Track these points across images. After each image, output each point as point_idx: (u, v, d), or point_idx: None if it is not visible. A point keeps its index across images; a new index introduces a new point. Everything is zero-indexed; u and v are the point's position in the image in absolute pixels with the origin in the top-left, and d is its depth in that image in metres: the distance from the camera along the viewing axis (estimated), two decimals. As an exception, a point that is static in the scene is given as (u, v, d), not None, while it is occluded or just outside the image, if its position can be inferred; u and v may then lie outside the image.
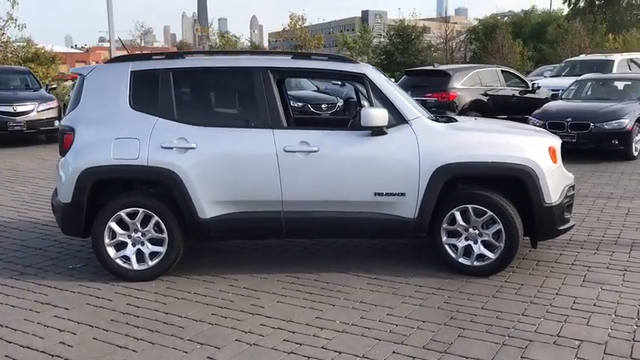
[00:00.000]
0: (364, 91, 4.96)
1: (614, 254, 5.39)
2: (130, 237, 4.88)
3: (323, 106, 16.59)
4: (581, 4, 54.60)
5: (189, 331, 3.96)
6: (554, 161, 4.92)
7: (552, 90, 14.57)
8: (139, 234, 4.87)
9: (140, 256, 4.89)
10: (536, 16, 44.16)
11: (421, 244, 5.75)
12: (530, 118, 11.38)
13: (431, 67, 13.77)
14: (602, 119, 10.64)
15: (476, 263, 4.88)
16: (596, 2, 55.53)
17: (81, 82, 5.03)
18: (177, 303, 4.45)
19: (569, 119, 10.68)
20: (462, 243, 4.91)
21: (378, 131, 4.75)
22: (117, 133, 4.80)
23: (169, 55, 5.13)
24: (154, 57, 5.11)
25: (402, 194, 4.79)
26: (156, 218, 4.82)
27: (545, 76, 17.96)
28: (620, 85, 12.32)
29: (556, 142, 5.06)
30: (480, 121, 5.84)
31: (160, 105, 4.86)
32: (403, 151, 4.77)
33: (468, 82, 12.61)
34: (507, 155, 4.79)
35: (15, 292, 4.71)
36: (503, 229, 4.76)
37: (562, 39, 37.47)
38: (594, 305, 4.26)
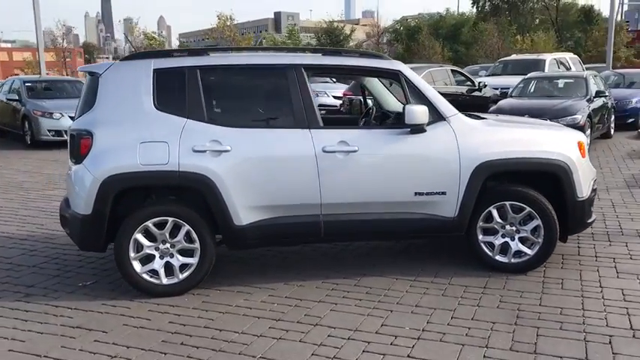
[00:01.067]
0: (400, 88, 4.83)
1: (629, 245, 5.55)
2: (157, 249, 4.49)
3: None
4: (487, 8, 57.15)
5: (256, 347, 3.67)
6: (583, 155, 4.99)
7: (494, 88, 15.07)
8: (168, 245, 4.49)
9: (169, 269, 4.52)
10: (451, 17, 45.76)
11: (439, 242, 5.70)
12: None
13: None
14: (557, 116, 11.03)
15: (513, 260, 4.86)
16: (501, 6, 58.32)
17: (94, 82, 4.57)
18: (225, 318, 4.13)
19: (526, 116, 10.98)
20: (498, 240, 4.87)
21: (417, 129, 4.63)
22: (142, 137, 4.40)
23: (192, 52, 4.76)
24: (174, 54, 4.73)
25: (443, 193, 4.69)
26: (187, 227, 4.46)
27: (481, 75, 18.53)
28: (564, 83, 12.88)
29: (583, 136, 5.14)
30: (502, 118, 5.86)
31: (188, 105, 4.50)
32: (443, 149, 4.68)
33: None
34: (544, 151, 4.80)
35: (33, 316, 4.21)
36: (542, 224, 4.77)
37: (477, 40, 39.04)
38: (644, 296, 4.35)
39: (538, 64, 17.36)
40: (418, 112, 4.52)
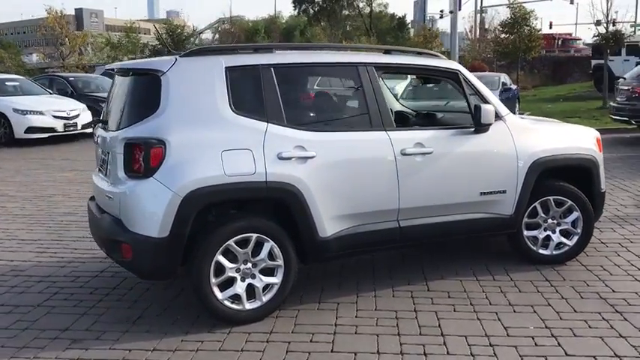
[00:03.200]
0: (458, 87, 4.79)
1: (616, 230, 6.10)
2: (238, 270, 3.96)
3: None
4: (309, 12, 59.15)
5: (414, 366, 3.42)
6: (600, 151, 5.38)
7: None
8: (249, 265, 3.99)
9: (249, 292, 4.01)
10: (282, 22, 46.63)
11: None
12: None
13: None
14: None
15: (554, 252, 5.09)
16: (320, 12, 60.78)
17: (153, 81, 3.88)
18: (343, 339, 3.75)
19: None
20: (542, 234, 5.07)
21: (483, 129, 4.64)
22: (223, 144, 3.84)
23: (257, 49, 4.26)
24: (240, 50, 4.20)
25: (503, 192, 4.76)
26: (270, 243, 3.99)
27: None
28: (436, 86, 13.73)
29: (598, 133, 5.53)
30: (532, 117, 6.08)
31: (266, 107, 4.02)
32: (503, 148, 4.74)
33: (321, 84, 12.82)
34: (581, 147, 5.10)
35: (119, 365, 3.47)
36: (581, 216, 5.05)
37: (308, 42, 40.15)
38: (691, 276, 4.80)
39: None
40: (491, 112, 4.54)
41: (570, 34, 31.96)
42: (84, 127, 13.98)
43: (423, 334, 3.82)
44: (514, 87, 19.52)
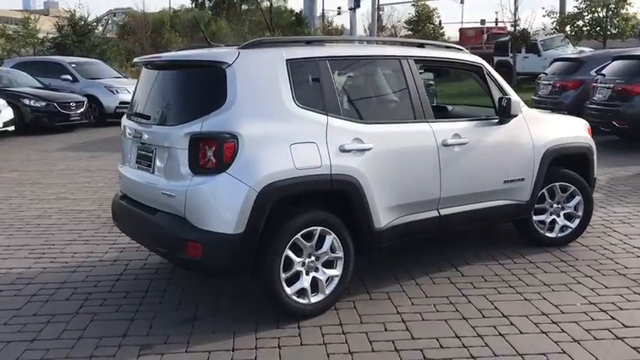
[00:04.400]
0: (480, 80, 5.00)
1: (595, 213, 6.50)
2: (304, 264, 3.93)
3: (72, 104, 14.57)
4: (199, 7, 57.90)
5: (497, 345, 3.56)
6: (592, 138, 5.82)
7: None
8: (313, 258, 3.97)
9: (313, 285, 3.99)
10: (185, 14, 45.47)
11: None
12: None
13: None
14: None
15: (559, 234, 5.45)
16: (220, 6, 59.73)
17: (220, 74, 3.74)
18: (415, 325, 3.83)
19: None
20: (548, 218, 5.41)
21: (505, 120, 4.88)
22: (291, 137, 3.79)
23: (309, 42, 4.22)
24: (294, 43, 4.14)
25: (522, 179, 5.03)
26: (332, 236, 4.00)
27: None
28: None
29: (587, 123, 5.95)
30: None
31: (325, 100, 4.00)
32: (522, 138, 5.01)
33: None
34: (580, 136, 5.49)
35: (208, 367, 3.34)
36: (582, 200, 5.44)
37: (215, 38, 39.51)
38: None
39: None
40: (518, 104, 4.80)
41: (504, 29, 32.90)
42: (5, 124, 12.95)
43: (487, 317, 3.98)
44: (432, 83, 20.32)
